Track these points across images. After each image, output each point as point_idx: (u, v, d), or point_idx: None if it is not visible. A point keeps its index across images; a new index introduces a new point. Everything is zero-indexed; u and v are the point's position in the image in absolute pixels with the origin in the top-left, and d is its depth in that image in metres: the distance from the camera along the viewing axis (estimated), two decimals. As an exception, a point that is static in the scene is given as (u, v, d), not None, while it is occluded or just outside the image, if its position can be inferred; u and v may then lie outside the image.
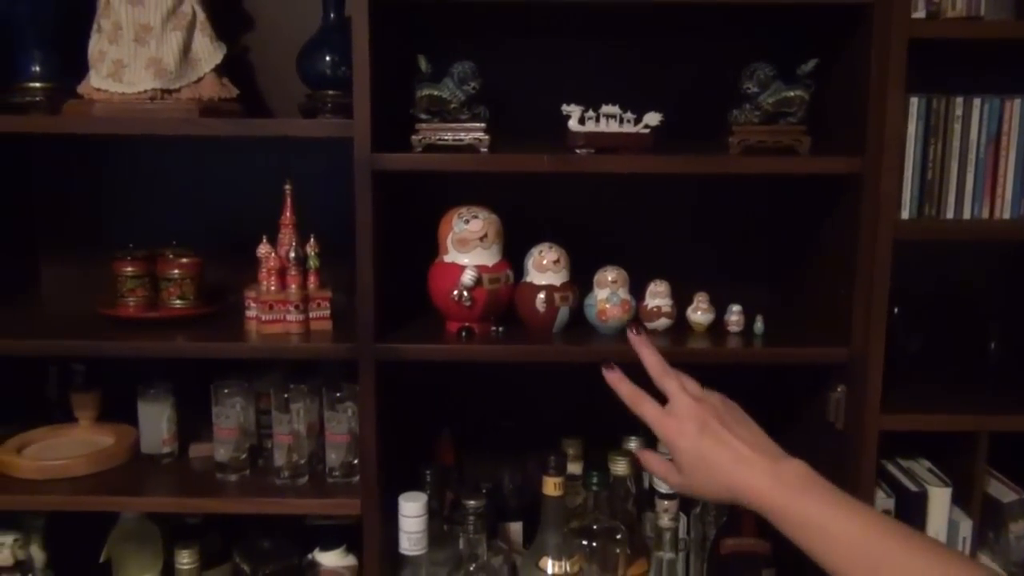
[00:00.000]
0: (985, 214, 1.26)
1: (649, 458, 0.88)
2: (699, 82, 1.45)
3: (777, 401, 1.45)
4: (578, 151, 1.25)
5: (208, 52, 1.32)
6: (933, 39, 1.16)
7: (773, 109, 1.28)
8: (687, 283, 1.35)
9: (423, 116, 1.28)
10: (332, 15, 1.39)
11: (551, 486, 1.25)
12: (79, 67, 1.31)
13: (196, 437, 1.43)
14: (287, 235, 1.34)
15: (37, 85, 1.35)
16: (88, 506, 1.30)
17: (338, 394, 1.34)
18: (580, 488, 1.40)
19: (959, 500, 1.31)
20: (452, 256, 1.31)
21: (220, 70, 1.34)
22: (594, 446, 1.46)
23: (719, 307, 1.35)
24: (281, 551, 1.39)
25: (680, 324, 1.35)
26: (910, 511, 1.30)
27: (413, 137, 1.27)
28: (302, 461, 1.35)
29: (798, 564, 1.22)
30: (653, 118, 1.26)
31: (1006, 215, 1.26)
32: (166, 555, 1.38)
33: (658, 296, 1.33)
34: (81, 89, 1.30)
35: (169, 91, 1.29)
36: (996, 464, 1.33)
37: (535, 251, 1.34)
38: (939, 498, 1.31)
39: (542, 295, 1.31)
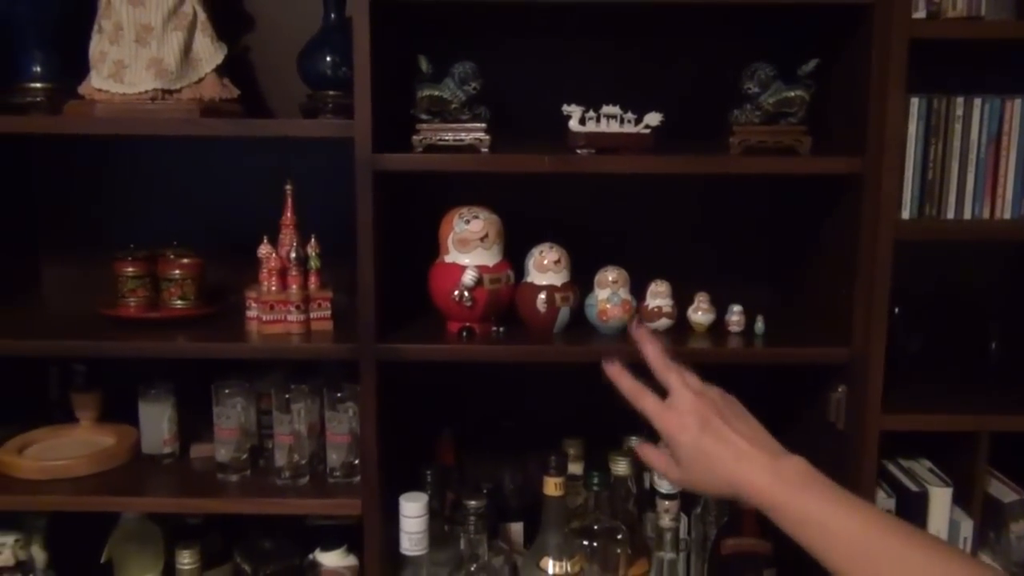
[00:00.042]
0: (986, 214, 1.26)
1: (648, 452, 0.88)
2: (700, 82, 1.45)
3: (778, 401, 1.45)
4: (579, 151, 1.25)
5: (209, 52, 1.33)
6: (934, 39, 1.17)
7: (774, 109, 1.28)
8: (688, 283, 1.35)
9: (424, 116, 1.28)
10: (333, 15, 1.39)
11: (552, 486, 1.25)
12: (80, 67, 1.31)
13: (197, 437, 1.43)
14: (288, 235, 1.34)
15: (38, 85, 1.35)
16: (89, 506, 1.30)
17: (339, 394, 1.34)
18: (581, 488, 1.40)
19: (960, 500, 1.31)
20: (453, 256, 1.31)
21: (221, 70, 1.34)
22: (595, 446, 1.46)
23: (720, 307, 1.35)
24: (282, 551, 1.39)
25: (681, 324, 1.35)
26: (911, 511, 1.30)
27: (414, 137, 1.27)
28: (303, 461, 1.35)
29: (799, 564, 1.22)
30: (654, 118, 1.26)
31: (1007, 215, 1.26)
32: (167, 555, 1.38)
33: (659, 296, 1.33)
34: (82, 89, 1.31)
35: (170, 91, 1.29)
36: (997, 464, 1.33)
37: (536, 251, 1.34)
38: (940, 498, 1.31)
39: (543, 295, 1.31)
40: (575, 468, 1.43)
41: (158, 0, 1.28)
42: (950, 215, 1.26)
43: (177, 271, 1.37)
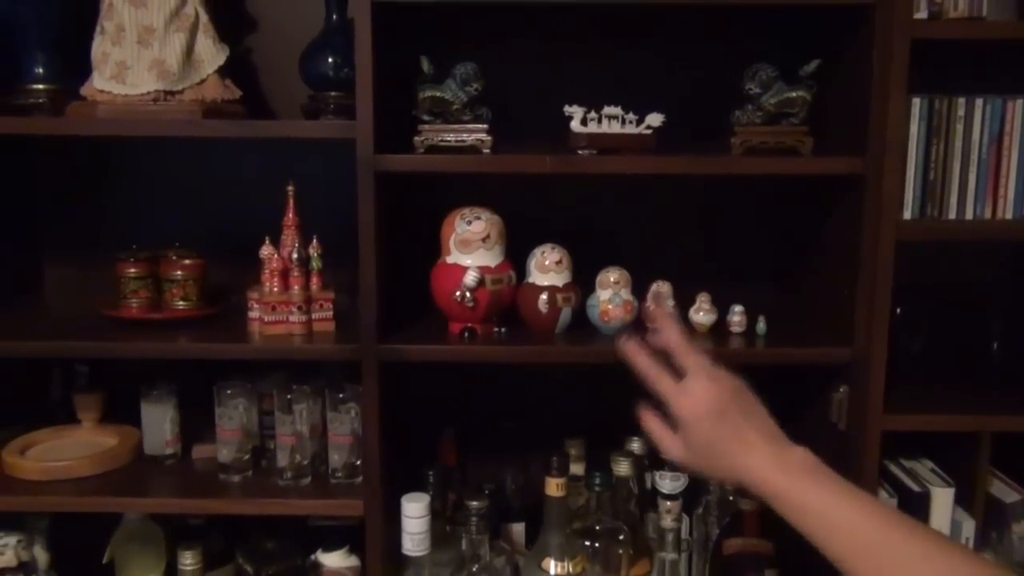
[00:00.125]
0: (987, 214, 1.26)
1: (655, 426, 0.87)
2: (701, 83, 1.45)
3: (779, 402, 1.44)
4: (580, 152, 1.25)
5: (211, 54, 1.33)
6: (935, 40, 1.17)
7: (775, 110, 1.28)
8: (689, 284, 1.36)
9: (425, 117, 1.28)
10: (334, 16, 1.40)
11: (554, 487, 1.25)
12: (82, 69, 1.31)
13: (199, 438, 1.43)
14: (290, 236, 1.34)
15: (41, 87, 1.36)
16: (91, 507, 1.30)
17: (341, 395, 1.34)
18: (583, 489, 1.40)
19: (962, 500, 1.31)
20: (455, 257, 1.31)
21: (223, 72, 1.34)
22: (596, 447, 1.46)
23: (721, 308, 1.35)
24: (284, 552, 1.39)
25: (682, 325, 1.34)
26: (913, 511, 1.29)
27: (415, 138, 1.27)
28: (305, 462, 1.35)
29: (801, 564, 1.22)
30: (655, 119, 1.26)
31: (1008, 215, 1.26)
32: (169, 556, 1.38)
33: (660, 297, 1.33)
34: (84, 91, 1.31)
35: (172, 93, 1.30)
36: (999, 464, 1.33)
37: (537, 252, 1.34)
38: (942, 498, 1.31)
39: (544, 296, 1.31)
40: (577, 468, 1.43)
41: (160, 1, 1.28)
42: (952, 215, 1.26)
43: (179, 272, 1.37)
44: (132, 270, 1.37)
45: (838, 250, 1.32)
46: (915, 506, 1.31)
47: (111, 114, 1.27)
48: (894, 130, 1.19)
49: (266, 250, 1.33)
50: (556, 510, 1.27)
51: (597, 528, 1.31)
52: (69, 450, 1.39)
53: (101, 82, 1.29)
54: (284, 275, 1.32)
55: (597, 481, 1.32)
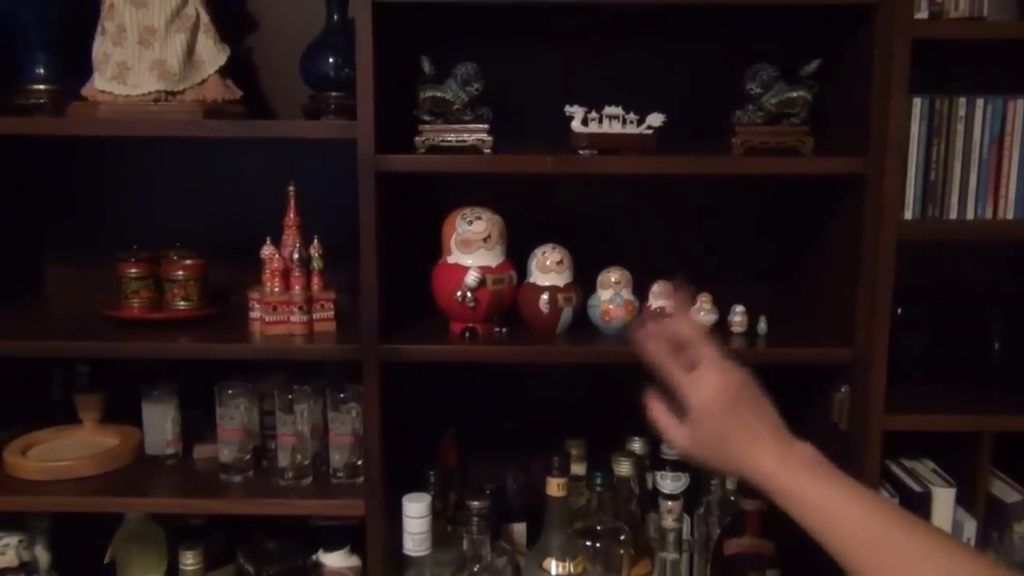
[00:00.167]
0: (988, 214, 1.26)
1: (660, 413, 0.87)
2: (702, 83, 1.45)
3: (780, 402, 1.44)
4: (581, 152, 1.25)
5: (212, 54, 1.33)
6: (936, 40, 1.17)
7: (776, 110, 1.28)
8: (690, 283, 1.35)
9: (426, 117, 1.28)
10: (335, 17, 1.40)
11: (555, 487, 1.25)
12: (83, 69, 1.32)
13: (200, 438, 1.43)
14: (291, 236, 1.34)
15: (42, 87, 1.36)
16: (92, 507, 1.30)
17: (342, 395, 1.34)
18: (584, 489, 1.40)
19: (963, 500, 1.31)
20: (456, 257, 1.31)
21: (224, 72, 1.34)
22: (597, 447, 1.46)
23: (722, 308, 1.35)
24: (285, 552, 1.39)
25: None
26: (914, 511, 1.28)
27: (416, 138, 1.27)
28: (306, 462, 1.35)
29: (802, 565, 1.22)
30: (656, 119, 1.26)
31: (1009, 215, 1.26)
32: (170, 556, 1.38)
33: (661, 297, 1.33)
34: (85, 91, 1.31)
35: (173, 93, 1.30)
36: (1000, 464, 1.33)
37: (538, 252, 1.34)
38: (943, 498, 1.31)
39: (545, 296, 1.31)
40: (578, 469, 1.43)
41: (161, 2, 1.28)
42: (953, 215, 1.26)
43: (180, 272, 1.37)
44: (133, 270, 1.37)
45: (839, 250, 1.32)
46: (916, 506, 1.30)
47: (112, 114, 1.27)
48: (895, 130, 1.19)
49: (267, 250, 1.33)
50: (557, 510, 1.27)
51: (598, 528, 1.31)
52: (70, 450, 1.40)
53: (102, 82, 1.29)
54: (285, 275, 1.33)
55: (598, 481, 1.32)
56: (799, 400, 1.45)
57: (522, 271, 1.35)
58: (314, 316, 1.34)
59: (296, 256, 1.32)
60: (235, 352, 1.31)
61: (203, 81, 1.32)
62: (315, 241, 1.34)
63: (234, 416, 1.35)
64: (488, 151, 1.27)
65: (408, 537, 1.25)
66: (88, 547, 1.39)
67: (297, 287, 1.32)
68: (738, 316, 1.34)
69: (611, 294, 1.32)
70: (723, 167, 1.29)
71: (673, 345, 0.85)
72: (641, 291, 1.34)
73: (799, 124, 1.29)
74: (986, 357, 1.47)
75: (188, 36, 1.30)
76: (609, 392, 1.42)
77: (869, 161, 1.21)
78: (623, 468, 1.34)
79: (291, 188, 1.34)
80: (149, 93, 1.28)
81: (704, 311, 1.34)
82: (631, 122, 1.26)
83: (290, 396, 1.34)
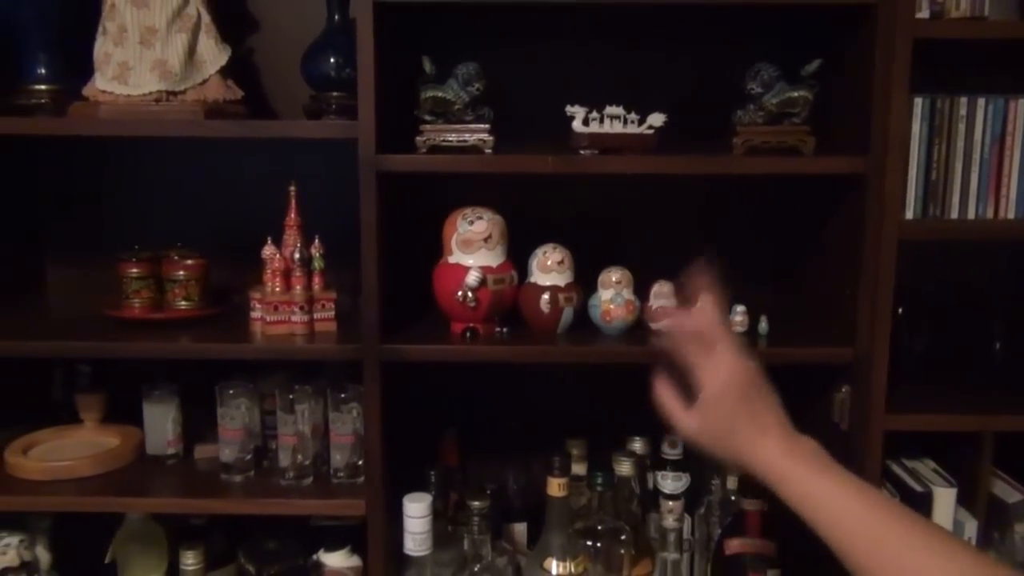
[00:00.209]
0: (990, 214, 1.26)
1: (667, 397, 0.87)
2: (703, 83, 1.45)
3: (781, 401, 1.45)
4: (582, 152, 1.25)
5: (213, 54, 1.33)
6: (937, 39, 1.17)
7: (777, 109, 1.28)
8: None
9: (427, 117, 1.28)
10: (336, 17, 1.40)
11: (555, 487, 1.25)
12: (84, 69, 1.32)
13: (201, 438, 1.43)
14: (292, 236, 1.34)
15: (43, 87, 1.36)
16: (93, 507, 1.31)
17: (343, 395, 1.34)
18: (584, 489, 1.40)
19: (964, 500, 1.31)
20: (456, 257, 1.31)
21: (225, 72, 1.34)
22: (598, 447, 1.46)
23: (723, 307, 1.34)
24: (286, 552, 1.39)
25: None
26: (915, 511, 1.30)
27: (417, 138, 1.27)
28: (307, 462, 1.35)
29: (803, 565, 1.22)
30: (657, 119, 1.26)
31: (1010, 215, 1.26)
32: (171, 556, 1.38)
33: (662, 297, 1.33)
34: (86, 91, 1.31)
35: (174, 93, 1.30)
36: (1001, 464, 1.33)
37: (539, 252, 1.34)
38: (944, 498, 1.30)
39: (546, 296, 1.31)
40: (579, 468, 1.43)
41: (162, 2, 1.29)
42: (954, 215, 1.26)
43: (181, 272, 1.38)
44: (134, 270, 1.37)
45: (840, 250, 1.31)
46: (917, 506, 1.30)
47: (113, 114, 1.27)
48: (896, 130, 1.19)
49: (268, 250, 1.33)
50: (558, 510, 1.27)
51: (599, 528, 1.31)
52: (71, 450, 1.40)
53: (103, 82, 1.29)
54: (286, 275, 1.33)
55: (599, 481, 1.32)
56: (800, 400, 1.44)
57: (523, 271, 1.35)
58: (315, 316, 1.34)
59: (297, 256, 1.32)
60: (236, 352, 1.31)
61: (204, 81, 1.32)
62: (316, 241, 1.34)
63: (235, 416, 1.35)
64: (489, 151, 1.27)
65: (409, 537, 1.25)
66: (89, 547, 1.39)
67: (298, 287, 1.32)
68: (739, 316, 1.34)
69: (612, 294, 1.32)
70: (724, 167, 1.29)
71: (693, 333, 0.85)
72: (642, 291, 1.34)
73: (800, 124, 1.28)
74: (987, 357, 1.47)
75: (189, 36, 1.30)
76: (610, 392, 1.43)
77: (870, 161, 1.21)
78: (624, 468, 1.34)
79: (292, 188, 1.35)
80: (150, 93, 1.29)
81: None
82: (632, 122, 1.26)
83: (291, 396, 1.34)
